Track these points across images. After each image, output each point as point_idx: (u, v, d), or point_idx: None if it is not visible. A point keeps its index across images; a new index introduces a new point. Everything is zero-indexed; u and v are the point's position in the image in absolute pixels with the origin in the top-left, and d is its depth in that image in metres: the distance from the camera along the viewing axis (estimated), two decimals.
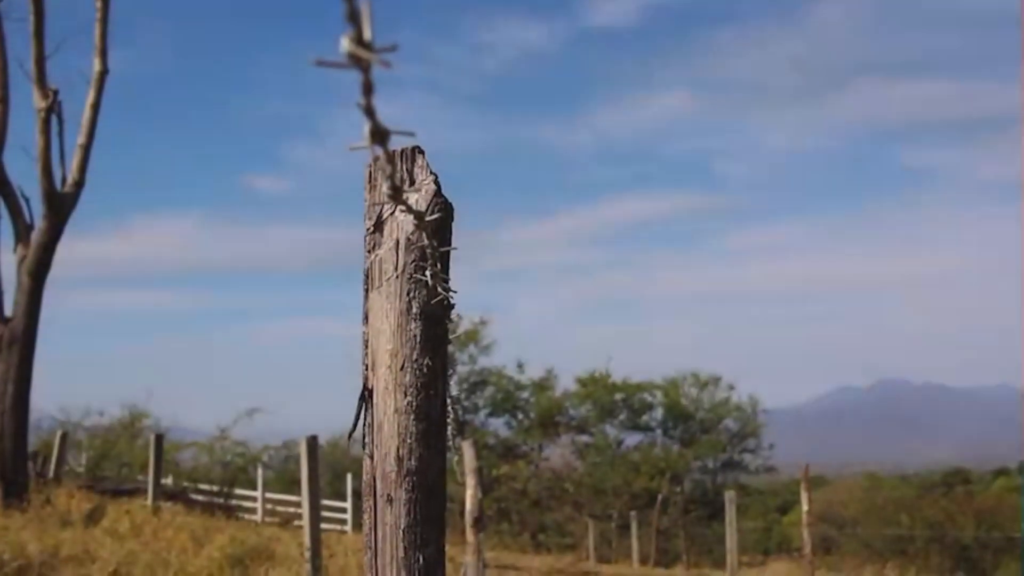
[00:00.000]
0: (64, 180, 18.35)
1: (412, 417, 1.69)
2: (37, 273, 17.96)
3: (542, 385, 47.71)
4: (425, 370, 1.69)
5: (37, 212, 18.25)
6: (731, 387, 48.49)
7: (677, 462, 43.17)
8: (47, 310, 18.32)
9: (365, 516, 1.77)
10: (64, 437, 21.75)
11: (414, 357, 1.69)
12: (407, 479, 1.68)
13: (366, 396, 1.75)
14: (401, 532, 1.68)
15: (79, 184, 18.50)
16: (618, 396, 47.18)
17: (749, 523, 41.19)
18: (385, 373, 1.71)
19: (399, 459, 1.68)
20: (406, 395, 1.69)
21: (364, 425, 1.77)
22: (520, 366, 47.19)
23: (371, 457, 1.74)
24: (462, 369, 45.41)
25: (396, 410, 1.70)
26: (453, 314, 1.81)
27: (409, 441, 1.68)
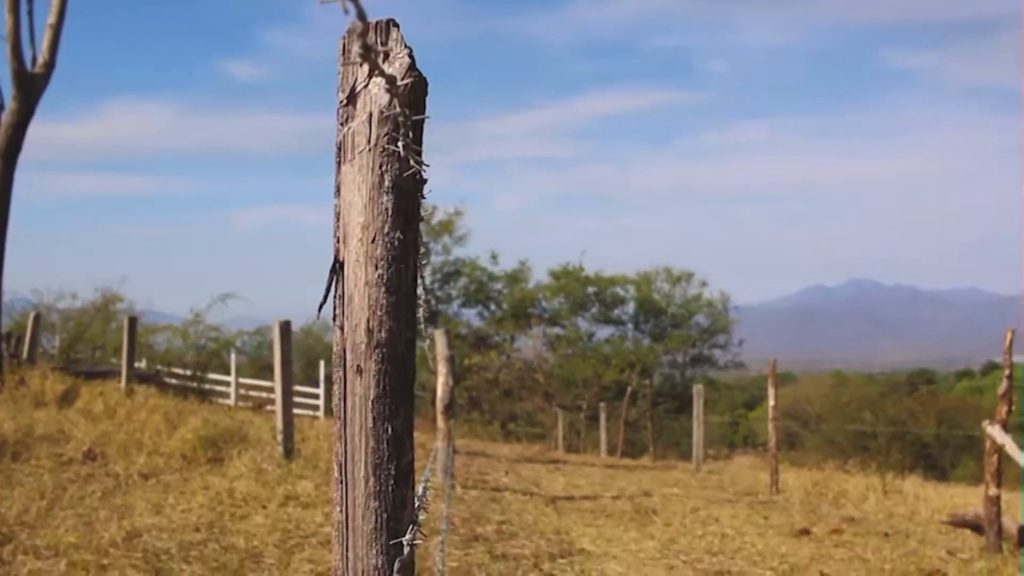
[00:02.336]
0: (34, 61, 18.01)
1: (383, 290, 1.71)
2: (8, 154, 17.74)
3: (515, 277, 47.93)
4: (396, 243, 1.70)
5: (7, 93, 17.95)
6: (703, 283, 48.90)
7: (647, 356, 43.68)
8: (20, 193, 18.15)
9: (335, 387, 1.80)
10: (37, 319, 21.72)
11: (385, 230, 1.70)
12: (377, 351, 1.71)
13: (337, 268, 1.77)
14: (370, 403, 1.71)
15: (49, 65, 18.16)
16: (591, 289, 47.49)
17: (716, 417, 41.93)
18: (356, 246, 1.72)
19: (369, 331, 1.70)
20: (377, 268, 1.70)
21: (335, 297, 1.79)
22: (494, 257, 47.37)
23: (341, 329, 1.76)
24: (436, 259, 45.51)
25: (367, 282, 1.72)
26: (428, 201, 1.82)
27: (379, 313, 1.70)
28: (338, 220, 1.77)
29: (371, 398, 1.71)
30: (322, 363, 32.31)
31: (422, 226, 1.79)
